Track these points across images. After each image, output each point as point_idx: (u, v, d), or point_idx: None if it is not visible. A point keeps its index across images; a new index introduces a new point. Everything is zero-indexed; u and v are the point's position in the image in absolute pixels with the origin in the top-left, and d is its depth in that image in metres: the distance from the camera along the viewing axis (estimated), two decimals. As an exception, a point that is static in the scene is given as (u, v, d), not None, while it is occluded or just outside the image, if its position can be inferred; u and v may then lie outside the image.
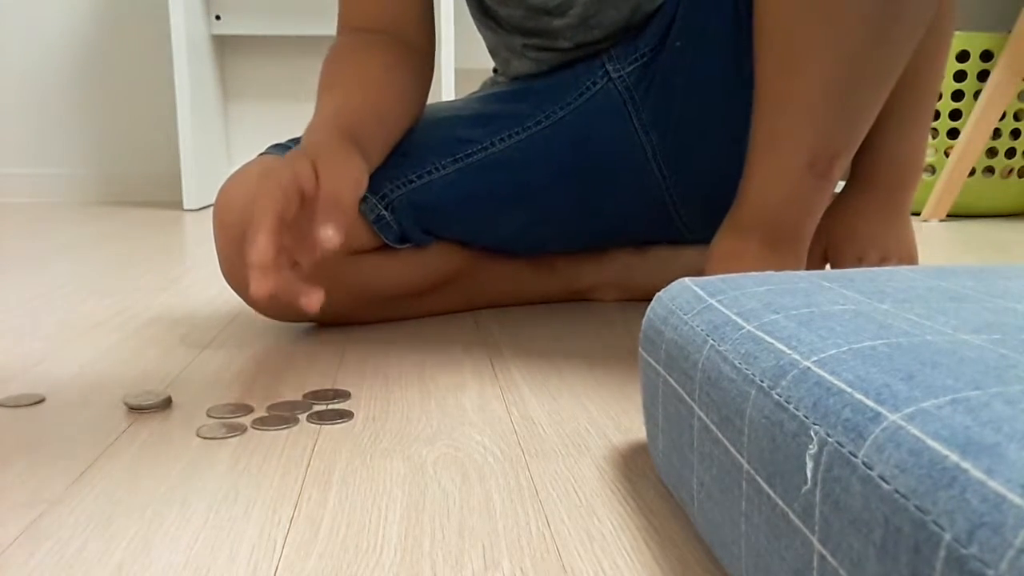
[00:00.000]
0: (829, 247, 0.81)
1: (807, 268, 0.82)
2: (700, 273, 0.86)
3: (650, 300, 0.46)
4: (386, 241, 0.80)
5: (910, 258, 0.81)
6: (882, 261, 0.79)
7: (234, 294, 0.94)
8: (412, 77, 0.81)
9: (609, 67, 0.82)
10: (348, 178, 0.62)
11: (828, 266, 0.82)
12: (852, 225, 0.80)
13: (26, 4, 2.25)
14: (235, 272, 0.78)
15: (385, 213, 0.79)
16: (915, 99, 0.78)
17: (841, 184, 0.83)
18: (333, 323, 0.84)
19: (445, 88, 1.99)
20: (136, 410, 0.59)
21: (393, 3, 0.82)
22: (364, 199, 0.78)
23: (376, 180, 0.79)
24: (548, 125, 0.83)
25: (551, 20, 0.82)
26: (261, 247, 0.56)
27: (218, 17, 2.22)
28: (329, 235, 0.58)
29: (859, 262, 0.79)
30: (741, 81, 0.66)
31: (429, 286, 0.85)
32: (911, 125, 0.79)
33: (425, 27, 0.85)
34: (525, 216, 0.85)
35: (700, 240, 0.92)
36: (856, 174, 0.82)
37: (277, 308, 0.80)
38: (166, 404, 0.60)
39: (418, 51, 0.83)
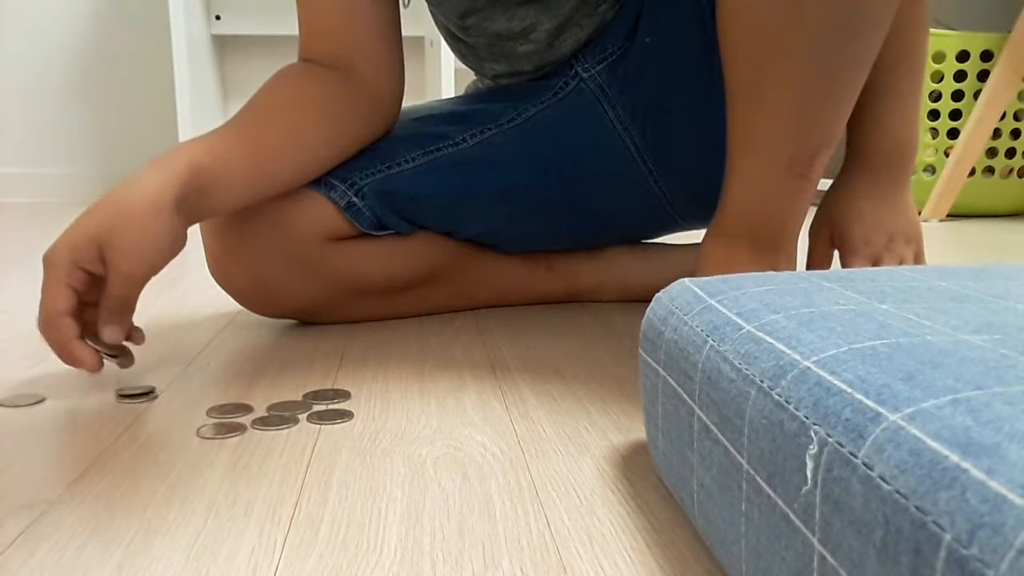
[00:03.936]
0: (835, 231, 0.80)
1: (814, 254, 0.82)
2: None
3: (650, 301, 0.46)
4: (360, 228, 0.80)
5: (916, 236, 0.80)
6: (889, 242, 0.78)
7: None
8: (339, 120, 0.77)
9: (579, 67, 0.82)
10: (137, 260, 0.61)
11: (835, 251, 0.82)
12: (856, 208, 0.79)
13: (26, 4, 2.25)
14: (222, 271, 0.79)
15: (356, 200, 0.79)
16: (902, 77, 0.78)
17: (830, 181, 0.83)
18: (321, 319, 0.84)
19: (445, 88, 1.99)
20: (125, 398, 0.61)
21: (349, 41, 0.79)
22: (332, 187, 0.79)
23: (344, 169, 0.79)
24: (520, 123, 0.83)
25: (515, 46, 0.82)
26: (74, 355, 0.60)
27: (218, 17, 2.22)
28: (108, 335, 0.62)
29: (866, 244, 0.78)
30: (712, 69, 0.65)
31: (416, 278, 0.85)
32: (902, 102, 0.79)
33: (386, 68, 0.81)
34: (507, 211, 0.85)
35: (698, 227, 0.92)
36: (852, 157, 0.81)
37: (261, 302, 0.81)
38: (150, 393, 0.62)
39: (368, 93, 0.79)
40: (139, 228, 0.61)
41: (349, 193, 0.79)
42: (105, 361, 0.63)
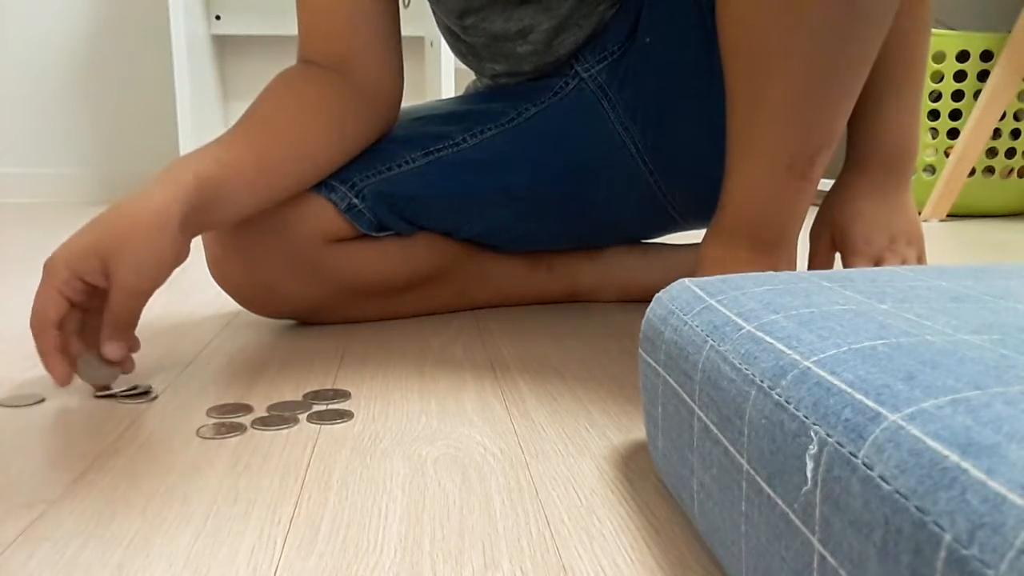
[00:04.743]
0: (835, 232, 0.80)
1: (816, 256, 0.82)
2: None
3: (650, 301, 0.46)
4: (360, 229, 0.80)
5: (918, 237, 0.80)
6: (891, 241, 0.78)
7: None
8: (342, 123, 0.78)
9: (579, 67, 0.83)
10: (141, 274, 0.60)
11: (837, 253, 0.82)
12: (856, 208, 0.79)
13: (26, 4, 2.25)
14: (222, 272, 0.79)
15: (356, 201, 0.79)
16: (903, 78, 0.78)
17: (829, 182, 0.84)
18: (321, 320, 0.84)
19: (445, 88, 1.99)
20: (126, 398, 0.61)
21: (348, 42, 0.79)
22: (333, 188, 0.79)
23: (344, 171, 0.79)
24: (520, 123, 0.83)
25: (514, 46, 0.83)
26: (49, 366, 0.60)
27: (218, 17, 2.22)
28: (109, 352, 0.61)
29: (868, 244, 0.78)
30: (713, 69, 0.65)
31: (417, 279, 0.85)
32: (902, 103, 0.79)
33: (387, 68, 0.81)
34: (507, 212, 0.85)
35: (698, 227, 0.92)
36: (852, 157, 0.81)
37: (261, 303, 0.81)
38: (149, 393, 0.62)
39: (369, 94, 0.79)
40: (143, 243, 0.60)
41: (349, 195, 0.79)
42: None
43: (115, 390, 0.62)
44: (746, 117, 0.61)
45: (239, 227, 0.76)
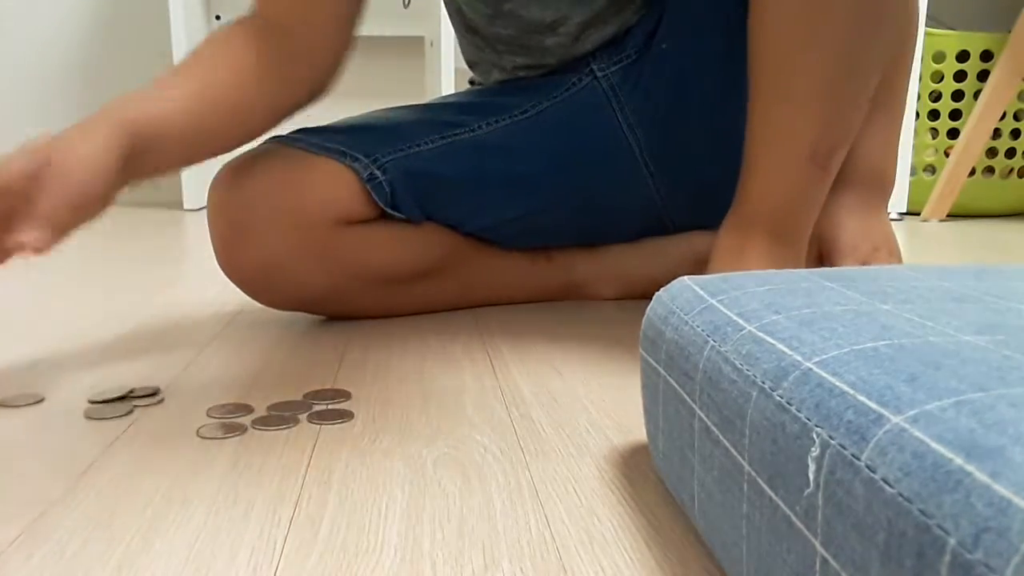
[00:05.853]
0: (822, 244, 0.83)
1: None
2: (694, 262, 0.88)
3: (649, 296, 0.46)
4: (376, 200, 0.80)
5: (897, 251, 0.84)
6: (874, 251, 0.81)
7: (233, 294, 0.94)
8: (272, 82, 0.76)
9: (594, 66, 0.84)
10: (73, 210, 0.57)
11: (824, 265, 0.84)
12: (840, 221, 0.82)
13: (26, 4, 2.25)
14: (230, 256, 0.79)
15: (377, 173, 0.80)
16: (886, 102, 0.82)
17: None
18: (327, 310, 0.85)
19: (445, 88, 1.99)
20: (135, 399, 0.60)
21: (291, 2, 0.78)
22: (356, 159, 0.79)
23: (367, 146, 0.80)
24: (533, 115, 0.85)
25: (543, 38, 0.84)
26: None
27: (218, 17, 2.21)
28: (29, 240, 0.54)
29: (854, 250, 0.81)
30: (728, 82, 0.67)
31: (423, 269, 0.86)
32: (884, 126, 0.84)
33: (326, 32, 0.80)
34: (516, 202, 0.86)
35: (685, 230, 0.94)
36: (837, 177, 0.84)
37: (267, 289, 0.81)
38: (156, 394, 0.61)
39: (305, 57, 0.78)
40: (79, 180, 0.57)
41: (372, 167, 0.80)
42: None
43: (125, 393, 0.61)
44: (770, 108, 0.64)
45: (250, 206, 0.76)
